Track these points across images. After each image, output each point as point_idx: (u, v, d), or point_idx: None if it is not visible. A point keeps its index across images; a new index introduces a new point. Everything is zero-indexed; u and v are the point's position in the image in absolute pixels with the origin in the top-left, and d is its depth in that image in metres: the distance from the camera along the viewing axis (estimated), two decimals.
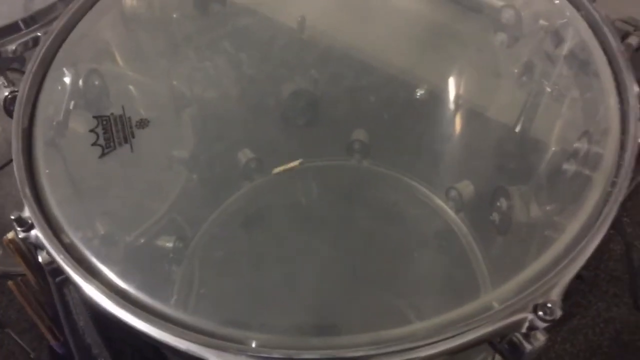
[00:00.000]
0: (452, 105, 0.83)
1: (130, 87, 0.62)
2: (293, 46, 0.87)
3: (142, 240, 0.57)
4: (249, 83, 0.88)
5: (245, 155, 0.85)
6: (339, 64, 0.88)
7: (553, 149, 0.65)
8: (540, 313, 0.38)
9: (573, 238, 0.43)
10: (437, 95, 0.84)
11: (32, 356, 1.06)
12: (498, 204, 0.71)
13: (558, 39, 0.64)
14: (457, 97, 0.82)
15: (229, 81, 0.87)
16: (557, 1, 0.62)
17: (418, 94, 0.84)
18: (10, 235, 0.59)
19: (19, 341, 1.04)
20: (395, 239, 0.83)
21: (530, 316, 0.39)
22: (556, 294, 0.40)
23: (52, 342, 0.65)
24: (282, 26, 0.86)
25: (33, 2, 0.69)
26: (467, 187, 0.80)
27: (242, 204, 0.88)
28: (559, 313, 0.38)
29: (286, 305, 0.73)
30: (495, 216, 0.73)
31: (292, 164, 0.70)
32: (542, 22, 0.65)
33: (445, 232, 0.84)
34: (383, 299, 0.79)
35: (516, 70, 0.70)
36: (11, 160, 0.74)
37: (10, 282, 0.61)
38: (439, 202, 0.86)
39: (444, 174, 0.85)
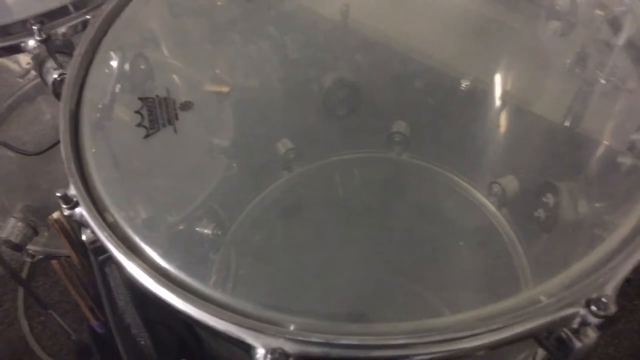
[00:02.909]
0: (497, 98, 0.80)
1: (175, 70, 0.62)
2: (336, 35, 0.86)
3: (184, 223, 0.57)
4: (290, 72, 0.88)
5: (284, 145, 0.85)
6: (382, 54, 0.86)
7: (605, 142, 0.62)
8: (594, 308, 0.37)
9: (628, 234, 0.41)
10: (482, 88, 0.82)
11: (72, 337, 1.09)
12: (544, 199, 0.69)
13: (616, 27, 0.61)
14: (503, 89, 0.80)
15: (271, 70, 0.86)
16: None
17: (462, 86, 0.82)
18: (55, 215, 0.61)
19: (61, 322, 1.07)
20: (434, 233, 0.81)
21: (582, 311, 0.37)
22: (611, 288, 0.38)
23: (93, 322, 0.67)
24: (325, 15, 0.85)
25: None
26: (511, 182, 0.78)
27: (279, 193, 0.88)
28: (613, 309, 0.36)
29: (321, 294, 0.73)
30: (541, 212, 0.70)
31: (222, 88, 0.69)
32: (598, 10, 0.62)
33: (486, 227, 0.82)
34: (419, 293, 0.78)
35: (568, 61, 0.68)
36: (58, 142, 0.76)
37: (54, 262, 0.63)
38: (480, 197, 0.84)
39: (486, 169, 0.83)
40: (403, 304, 0.74)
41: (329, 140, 0.89)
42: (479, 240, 0.82)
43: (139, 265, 0.42)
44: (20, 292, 1.19)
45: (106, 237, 0.43)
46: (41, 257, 0.99)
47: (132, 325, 0.53)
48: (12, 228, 0.87)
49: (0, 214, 1.03)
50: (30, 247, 0.96)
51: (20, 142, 1.09)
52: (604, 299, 0.36)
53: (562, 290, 0.38)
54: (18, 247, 0.87)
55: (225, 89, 0.69)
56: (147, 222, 0.50)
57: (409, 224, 0.82)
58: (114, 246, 0.43)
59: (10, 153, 1.09)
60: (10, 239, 0.86)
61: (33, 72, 1.15)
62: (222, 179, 0.75)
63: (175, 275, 0.43)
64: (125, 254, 0.42)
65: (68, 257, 0.68)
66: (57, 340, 1.14)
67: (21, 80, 1.18)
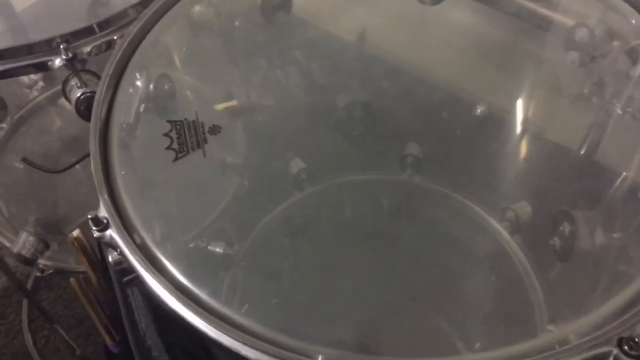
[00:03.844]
0: (513, 124, 0.81)
1: (202, 93, 0.63)
2: (351, 58, 0.87)
3: (206, 243, 0.57)
4: (305, 93, 0.88)
5: (296, 165, 0.85)
6: (397, 77, 0.87)
7: (624, 174, 0.63)
8: (626, 347, 0.37)
9: None
10: (497, 113, 0.82)
11: (77, 353, 1.08)
12: (561, 228, 0.69)
13: (633, 59, 0.62)
14: (519, 116, 0.80)
15: (286, 90, 0.87)
16: (634, 21, 0.61)
17: (478, 111, 0.82)
18: (75, 233, 0.60)
19: (66, 337, 1.06)
20: (445, 258, 0.81)
21: (615, 350, 0.37)
22: None
23: (108, 342, 0.66)
24: (341, 38, 0.86)
25: (108, 6, 0.72)
26: (524, 209, 0.78)
27: (290, 213, 0.88)
28: None
29: (327, 318, 0.73)
30: (556, 241, 0.70)
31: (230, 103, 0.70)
32: (616, 41, 0.63)
33: (498, 253, 0.82)
34: (428, 321, 0.78)
35: (586, 91, 0.69)
36: (81, 159, 0.77)
37: (72, 280, 0.62)
38: (493, 222, 0.84)
39: (499, 194, 0.84)
40: (413, 330, 0.73)
41: (341, 161, 0.90)
42: (491, 267, 0.82)
43: (170, 290, 0.42)
44: (25, 305, 1.19)
45: (137, 260, 0.43)
46: (51, 271, 0.98)
47: (153, 347, 0.53)
48: (24, 242, 0.87)
49: (9, 225, 1.03)
50: (41, 262, 0.96)
51: (27, 154, 1.09)
52: (637, 339, 0.37)
53: (594, 329, 0.39)
54: (30, 262, 0.87)
55: (233, 103, 0.69)
56: (173, 243, 0.50)
57: (419, 248, 0.82)
58: (145, 269, 0.43)
59: (17, 163, 1.10)
60: (22, 253, 0.85)
61: (41, 83, 1.16)
62: (233, 197, 0.75)
63: (205, 301, 0.43)
64: (155, 277, 0.42)
65: (82, 273, 0.68)
66: (61, 355, 1.13)
67: (29, 91, 1.18)
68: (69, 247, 1.03)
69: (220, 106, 0.66)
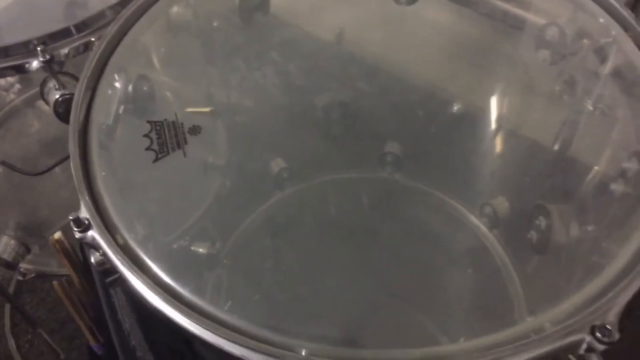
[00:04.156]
0: (488, 121, 0.83)
1: (179, 93, 0.63)
2: (330, 58, 0.88)
3: (188, 242, 0.58)
4: (284, 93, 0.89)
5: (277, 164, 0.86)
6: (375, 77, 0.88)
7: (596, 168, 0.64)
8: (599, 335, 0.38)
9: (628, 262, 0.43)
10: (473, 111, 0.84)
11: (61, 356, 1.07)
12: (537, 222, 0.71)
13: (602, 57, 0.64)
14: (494, 113, 0.82)
15: (265, 91, 0.88)
16: (603, 20, 0.62)
17: (454, 109, 0.84)
18: (56, 235, 0.60)
19: (50, 341, 1.05)
20: (426, 255, 0.82)
21: (588, 338, 0.38)
22: (613, 315, 0.39)
23: (92, 343, 0.66)
24: (319, 38, 0.87)
25: (85, 8, 0.71)
26: (502, 204, 0.80)
27: (272, 212, 0.89)
28: (617, 335, 0.38)
29: (310, 316, 0.74)
30: (533, 234, 0.72)
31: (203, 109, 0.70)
32: (586, 40, 0.65)
33: (477, 248, 0.84)
34: (410, 316, 0.79)
35: (558, 88, 0.70)
36: (60, 161, 0.76)
37: (55, 282, 0.62)
38: (472, 218, 0.86)
39: (478, 190, 0.85)
40: (395, 326, 0.74)
41: (322, 160, 0.90)
42: (471, 261, 0.83)
43: (154, 290, 0.42)
44: (7, 309, 1.17)
45: (119, 260, 0.43)
46: (33, 275, 0.97)
47: (137, 347, 0.53)
48: (4, 246, 0.86)
49: None
50: (22, 266, 0.95)
51: (5, 157, 1.08)
52: (608, 326, 0.38)
53: (568, 317, 0.40)
54: (11, 266, 0.87)
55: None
56: (156, 243, 0.50)
57: (400, 245, 0.83)
58: (128, 269, 0.43)
59: None
60: (3, 257, 0.85)
61: (18, 86, 1.15)
62: (215, 198, 0.75)
63: (188, 298, 0.43)
64: (138, 277, 0.43)
65: (65, 275, 0.68)
66: (45, 359, 1.12)
67: (5, 94, 1.17)
68: (51, 250, 1.02)
69: (192, 110, 0.66)
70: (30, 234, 0.97)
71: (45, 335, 1.05)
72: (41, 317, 1.16)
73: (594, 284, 0.42)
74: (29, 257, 0.99)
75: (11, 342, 1.13)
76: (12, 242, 0.87)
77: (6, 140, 1.15)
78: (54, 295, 1.17)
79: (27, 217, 1.04)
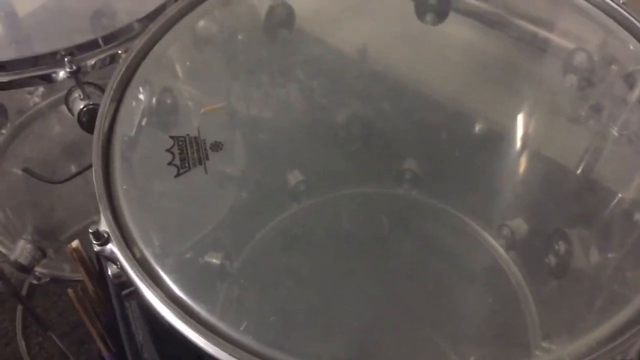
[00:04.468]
0: (511, 142, 0.82)
1: (210, 109, 0.63)
2: (352, 74, 0.88)
3: (204, 257, 0.58)
4: (305, 107, 0.89)
5: (294, 177, 0.86)
6: (397, 94, 0.88)
7: (620, 195, 0.63)
8: None
9: None
10: (496, 132, 0.83)
11: None
12: (556, 246, 0.70)
13: (630, 84, 0.63)
14: (517, 134, 0.81)
15: (287, 105, 0.88)
16: (632, 47, 0.62)
17: (477, 129, 0.83)
18: (74, 244, 0.61)
19: (60, 345, 1.06)
20: (441, 274, 0.81)
21: None
22: (635, 352, 0.38)
23: (104, 353, 0.66)
24: (343, 54, 0.87)
25: (111, 18, 0.72)
26: (520, 226, 0.79)
27: (288, 225, 0.89)
28: None
29: (323, 332, 0.73)
30: (551, 259, 0.71)
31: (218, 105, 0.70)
32: (614, 66, 0.65)
33: (493, 269, 0.83)
34: (422, 335, 0.78)
35: (583, 113, 0.70)
36: (80, 172, 0.77)
37: (70, 290, 0.63)
38: (489, 238, 0.85)
39: (496, 211, 0.84)
40: (407, 344, 0.73)
41: (340, 174, 0.90)
42: (487, 282, 0.82)
43: (169, 305, 0.42)
44: (19, 311, 1.18)
45: (137, 275, 0.43)
46: (47, 279, 0.98)
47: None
48: (21, 250, 0.87)
49: (6, 231, 1.03)
50: (37, 269, 0.95)
51: (25, 160, 1.09)
52: None
53: (589, 352, 0.39)
54: (26, 270, 0.87)
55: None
56: (172, 258, 0.50)
57: (415, 262, 0.82)
58: (144, 284, 0.43)
59: (15, 169, 1.10)
60: (19, 260, 0.86)
61: (42, 89, 1.17)
62: (232, 209, 0.75)
63: (203, 316, 0.43)
64: (154, 292, 0.43)
65: (79, 282, 0.68)
66: None
67: (29, 97, 1.19)
68: (65, 255, 1.03)
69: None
70: (46, 238, 0.98)
71: (55, 339, 1.05)
72: (52, 321, 1.17)
73: (617, 318, 0.41)
74: (43, 261, 1.00)
75: (21, 344, 1.14)
76: (29, 246, 0.88)
77: (27, 143, 1.17)
78: (66, 299, 1.18)
79: (43, 221, 1.05)
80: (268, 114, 0.84)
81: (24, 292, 1.20)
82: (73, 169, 1.05)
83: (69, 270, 1.07)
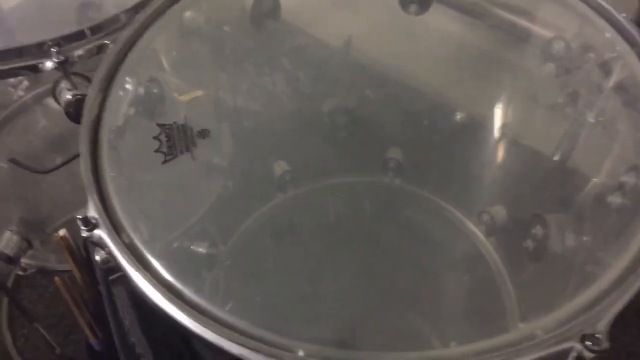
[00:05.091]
0: (491, 131, 0.84)
1: (189, 97, 0.64)
2: (337, 64, 0.89)
3: (192, 244, 0.59)
4: (291, 97, 0.90)
5: (280, 167, 0.87)
6: (381, 84, 0.89)
7: (594, 180, 0.65)
8: (588, 343, 0.39)
9: (621, 273, 0.44)
10: (476, 120, 0.85)
11: (57, 351, 1.08)
12: (533, 231, 0.72)
13: (606, 72, 0.65)
14: (497, 122, 0.83)
15: (272, 95, 0.89)
16: (609, 35, 0.63)
17: (457, 117, 0.85)
18: (61, 232, 0.62)
19: (46, 336, 1.06)
20: (423, 260, 0.83)
21: (578, 346, 0.39)
22: (603, 325, 0.40)
23: (91, 340, 0.67)
24: (328, 44, 0.88)
25: (97, 9, 0.73)
26: (500, 212, 0.81)
27: (273, 214, 0.90)
28: (606, 344, 0.39)
29: (308, 315, 0.75)
30: (529, 243, 0.73)
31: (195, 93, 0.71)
32: (591, 54, 0.66)
33: (474, 255, 0.85)
34: (406, 319, 0.80)
35: (561, 100, 0.71)
36: (67, 162, 0.77)
37: (57, 278, 0.63)
38: (470, 225, 0.87)
39: (476, 198, 0.86)
40: (391, 330, 0.75)
41: (325, 164, 0.92)
42: (467, 268, 0.85)
43: (157, 288, 0.43)
44: (5, 303, 1.18)
45: (125, 259, 0.44)
46: (33, 270, 0.98)
47: (137, 344, 0.54)
48: (7, 241, 0.87)
49: None
50: (23, 261, 0.96)
51: (10, 152, 1.08)
52: (597, 335, 0.39)
53: (559, 325, 0.41)
54: (12, 260, 0.87)
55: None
56: (161, 243, 0.51)
57: (399, 250, 0.84)
58: (133, 268, 0.44)
59: (0, 163, 1.09)
60: (5, 251, 0.86)
61: (26, 82, 1.16)
62: (218, 198, 0.76)
63: (191, 298, 0.44)
64: (143, 275, 0.44)
65: (65, 273, 0.69)
66: (41, 354, 1.12)
67: (13, 90, 1.18)
68: (51, 245, 1.03)
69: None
70: (32, 229, 0.98)
71: (42, 330, 1.05)
72: (38, 312, 1.16)
73: (587, 293, 0.43)
74: (29, 252, 1.00)
75: (7, 336, 1.14)
76: (15, 237, 0.88)
77: (11, 136, 1.16)
78: (52, 290, 1.18)
79: (29, 213, 1.04)
80: (254, 104, 0.85)
81: (9, 283, 1.19)
82: (58, 161, 1.05)
83: (54, 261, 1.07)
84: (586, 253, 0.59)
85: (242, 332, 0.42)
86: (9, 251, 0.87)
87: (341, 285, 0.78)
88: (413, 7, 0.81)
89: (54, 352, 1.10)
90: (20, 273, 1.00)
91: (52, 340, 1.09)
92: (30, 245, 0.92)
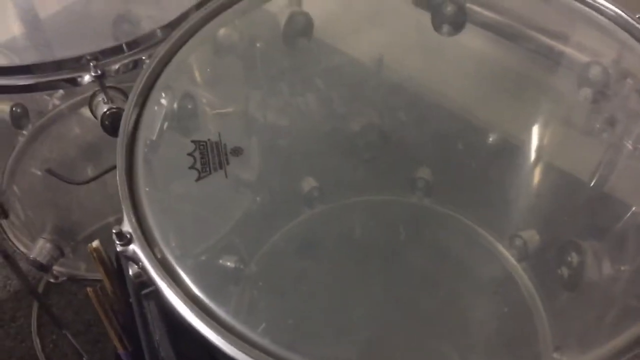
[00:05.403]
0: (524, 154, 0.83)
1: (224, 115, 0.65)
2: (368, 83, 0.89)
3: (224, 260, 0.59)
4: (321, 115, 0.90)
5: (308, 183, 0.87)
6: (413, 103, 0.89)
7: (634, 208, 0.64)
8: None
9: None
10: (510, 143, 0.84)
11: (84, 359, 1.09)
12: (568, 258, 0.70)
13: None
14: (531, 146, 0.82)
15: (303, 112, 0.89)
16: None
17: (490, 139, 0.84)
18: (94, 243, 0.62)
19: (75, 343, 1.07)
20: (451, 281, 0.82)
21: None
22: None
23: (120, 351, 0.68)
24: (359, 63, 0.88)
25: (133, 24, 0.74)
26: (533, 237, 0.79)
27: (300, 230, 0.90)
28: None
29: (335, 334, 0.74)
30: (564, 270, 0.72)
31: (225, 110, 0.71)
32: (629, 80, 0.65)
33: (504, 279, 0.83)
34: (432, 343, 0.78)
35: (597, 126, 0.70)
36: (103, 173, 0.79)
37: (89, 289, 0.64)
38: (501, 248, 0.85)
39: (509, 221, 0.85)
40: (417, 352, 0.74)
41: (353, 182, 0.91)
42: (497, 292, 0.83)
43: (191, 307, 0.43)
44: (35, 309, 1.20)
45: (158, 274, 0.45)
46: (65, 278, 1.00)
47: (166, 358, 0.54)
48: (40, 249, 0.89)
49: (25, 230, 1.05)
50: (55, 268, 0.97)
51: (44, 160, 1.11)
52: None
53: None
54: (45, 268, 0.89)
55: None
56: (192, 258, 0.51)
57: (426, 270, 0.83)
58: (165, 283, 0.44)
59: (34, 169, 1.12)
60: (38, 259, 0.87)
61: (61, 92, 1.19)
62: (246, 214, 0.77)
63: (221, 316, 0.44)
64: (175, 292, 0.44)
65: (94, 281, 0.69)
66: None
67: (49, 99, 1.21)
68: (81, 254, 1.05)
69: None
70: (64, 237, 1.00)
71: (70, 337, 1.07)
72: (67, 319, 1.18)
73: (629, 332, 0.42)
74: (61, 259, 1.01)
75: (36, 342, 1.16)
76: (48, 245, 0.90)
77: (45, 144, 1.19)
78: (81, 298, 1.20)
79: (61, 220, 1.06)
80: (285, 121, 0.85)
81: (40, 290, 1.22)
82: (90, 170, 1.07)
83: (84, 269, 1.09)
84: (626, 285, 0.57)
85: (266, 352, 0.42)
86: (42, 259, 0.89)
87: (366, 305, 0.77)
88: (446, 28, 0.80)
89: (82, 359, 1.11)
90: (52, 280, 1.02)
91: (79, 348, 1.10)
92: (62, 253, 0.93)
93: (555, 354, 0.66)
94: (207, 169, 0.54)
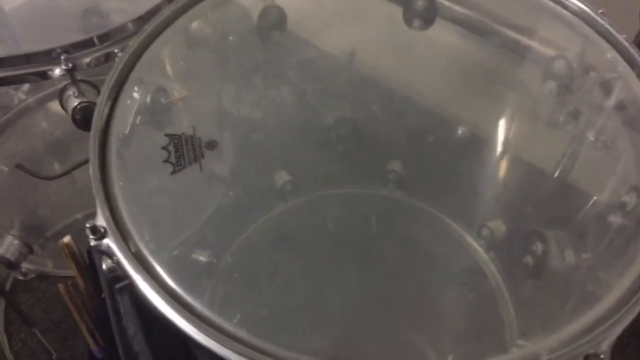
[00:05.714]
0: (492, 146, 0.85)
1: (196, 107, 0.65)
2: (341, 77, 0.90)
3: (195, 252, 0.59)
4: (294, 109, 0.91)
5: (281, 177, 0.87)
6: (384, 96, 0.90)
7: (595, 198, 0.66)
8: None
9: (624, 294, 0.44)
10: (478, 135, 0.86)
11: (54, 356, 1.08)
12: (533, 247, 0.73)
13: (606, 91, 0.66)
14: (498, 138, 0.84)
15: (276, 106, 0.89)
16: (610, 55, 0.64)
17: (459, 132, 0.86)
18: (66, 239, 0.61)
19: (43, 341, 1.05)
20: (422, 273, 0.84)
21: None
22: (606, 346, 0.41)
23: (93, 347, 0.67)
24: (332, 57, 0.89)
25: (102, 16, 0.73)
26: (499, 227, 0.82)
27: (274, 224, 0.90)
28: None
29: (307, 327, 0.75)
30: (529, 259, 0.74)
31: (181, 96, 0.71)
32: (593, 74, 0.67)
33: (473, 270, 0.85)
34: (403, 332, 0.80)
35: (561, 118, 0.72)
36: (74, 168, 0.78)
37: (60, 286, 0.63)
38: (470, 239, 0.87)
39: (477, 212, 0.87)
40: (388, 343, 0.75)
41: (326, 175, 0.92)
42: (466, 282, 0.85)
43: (166, 300, 0.43)
44: (2, 307, 1.17)
45: (133, 268, 0.45)
46: (33, 275, 0.98)
47: (140, 353, 0.54)
48: (8, 246, 0.87)
49: None
50: (23, 265, 0.96)
51: (11, 156, 1.09)
52: (602, 355, 0.40)
53: (562, 346, 0.41)
54: (13, 265, 0.87)
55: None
56: (166, 251, 0.52)
57: (397, 262, 0.84)
58: (141, 277, 0.44)
59: (1, 166, 1.09)
60: (6, 256, 0.86)
61: (28, 86, 1.16)
62: (220, 207, 0.77)
63: (197, 308, 0.45)
64: (150, 284, 0.44)
65: (62, 278, 0.68)
66: (37, 359, 1.12)
67: (14, 93, 1.18)
68: (50, 251, 1.03)
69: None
70: (32, 234, 0.98)
71: (39, 335, 1.05)
72: (36, 317, 1.16)
73: (589, 314, 0.44)
74: (29, 256, 1.00)
75: (4, 340, 1.13)
76: (16, 242, 0.88)
77: (11, 139, 1.16)
78: (50, 295, 1.18)
79: (29, 217, 1.04)
80: (259, 114, 0.85)
81: (7, 287, 1.19)
82: (57, 165, 1.05)
83: (52, 266, 1.07)
84: (587, 272, 0.59)
85: (241, 342, 0.42)
86: (10, 256, 0.87)
87: (338, 297, 0.78)
88: (416, 22, 0.82)
89: (51, 357, 1.09)
90: (21, 278, 1.00)
91: (48, 345, 1.08)
92: (30, 250, 0.92)
93: (520, 340, 0.68)
94: (182, 163, 0.54)
